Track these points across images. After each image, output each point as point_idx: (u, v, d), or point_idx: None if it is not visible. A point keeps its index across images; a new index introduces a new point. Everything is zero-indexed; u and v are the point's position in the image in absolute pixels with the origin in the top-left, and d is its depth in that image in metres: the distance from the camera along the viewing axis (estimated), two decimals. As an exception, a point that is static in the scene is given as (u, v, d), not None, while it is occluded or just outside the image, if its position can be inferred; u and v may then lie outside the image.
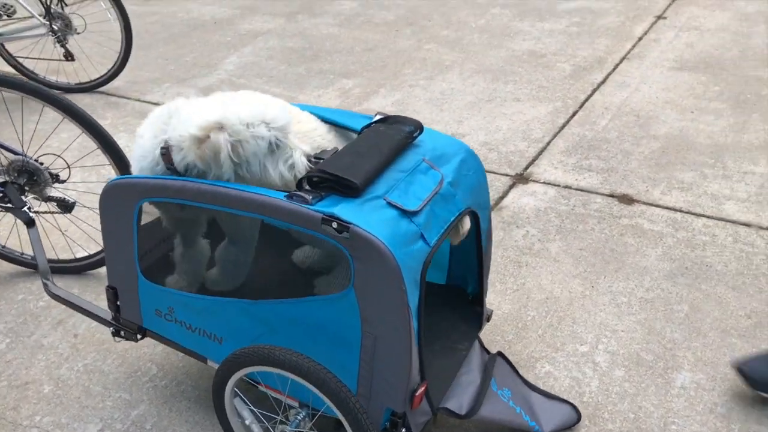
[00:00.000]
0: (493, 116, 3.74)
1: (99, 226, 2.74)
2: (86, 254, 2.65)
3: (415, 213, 1.59)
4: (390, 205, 1.57)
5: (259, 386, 1.78)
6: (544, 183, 3.14)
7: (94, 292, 2.55)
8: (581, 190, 3.07)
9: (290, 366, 1.59)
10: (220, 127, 1.59)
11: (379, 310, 1.53)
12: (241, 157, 1.62)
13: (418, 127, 1.78)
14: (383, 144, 1.70)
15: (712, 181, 3.09)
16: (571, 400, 2.03)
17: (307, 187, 1.60)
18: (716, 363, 2.16)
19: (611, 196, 3.02)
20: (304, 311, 1.64)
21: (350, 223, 1.48)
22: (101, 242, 2.66)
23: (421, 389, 1.64)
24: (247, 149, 1.61)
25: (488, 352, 2.01)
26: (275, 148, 1.63)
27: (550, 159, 3.33)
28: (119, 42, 4.06)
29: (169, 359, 2.25)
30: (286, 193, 1.59)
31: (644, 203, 2.97)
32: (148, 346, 2.29)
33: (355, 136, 1.87)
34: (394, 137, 1.72)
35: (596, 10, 5.28)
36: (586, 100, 3.90)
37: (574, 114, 3.74)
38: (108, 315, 2.02)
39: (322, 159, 1.69)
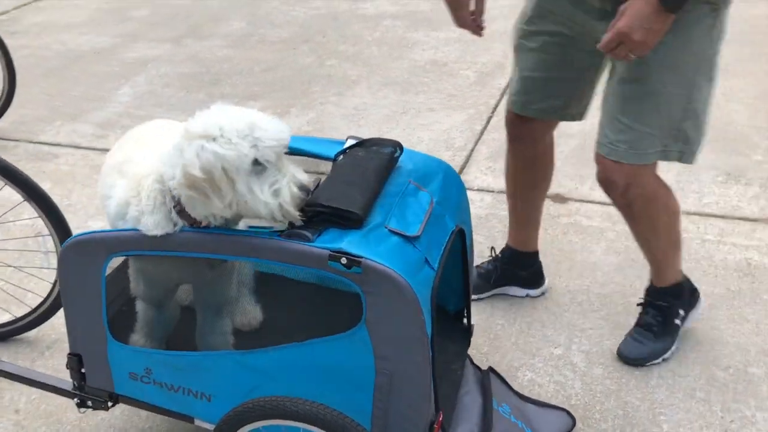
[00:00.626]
0: (412, 128, 3.74)
1: (23, 285, 2.48)
2: (11, 318, 2.38)
3: (416, 238, 1.53)
4: (392, 233, 1.51)
5: (259, 440, 1.65)
6: (478, 190, 3.16)
7: (27, 359, 2.30)
8: (515, 194, 3.11)
9: (305, 416, 1.48)
10: (210, 138, 1.43)
11: (396, 344, 1.46)
12: (228, 174, 1.44)
13: (399, 147, 1.72)
14: (369, 169, 1.63)
15: (634, 173, 3.22)
16: (560, 405, 2.03)
17: (300, 223, 1.50)
18: (684, 350, 2.24)
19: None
20: (307, 355, 1.54)
21: (361, 257, 1.40)
22: (28, 303, 2.41)
23: (439, 419, 1.58)
24: (230, 165, 1.43)
25: (478, 368, 1.98)
26: (262, 168, 1.46)
27: (478, 166, 3.36)
28: (0, 80, 3.73)
29: (132, 422, 2.06)
30: (277, 233, 1.48)
31: (577, 200, 3.05)
32: (104, 411, 2.08)
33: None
34: (376, 161, 1.66)
35: (484, 16, 5.41)
36: (497, 105, 3.98)
37: (489, 120, 3.81)
38: (68, 385, 1.82)
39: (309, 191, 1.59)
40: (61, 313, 2.27)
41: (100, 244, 1.56)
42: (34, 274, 2.40)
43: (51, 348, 2.35)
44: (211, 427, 1.71)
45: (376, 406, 1.54)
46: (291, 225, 1.51)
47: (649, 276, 2.24)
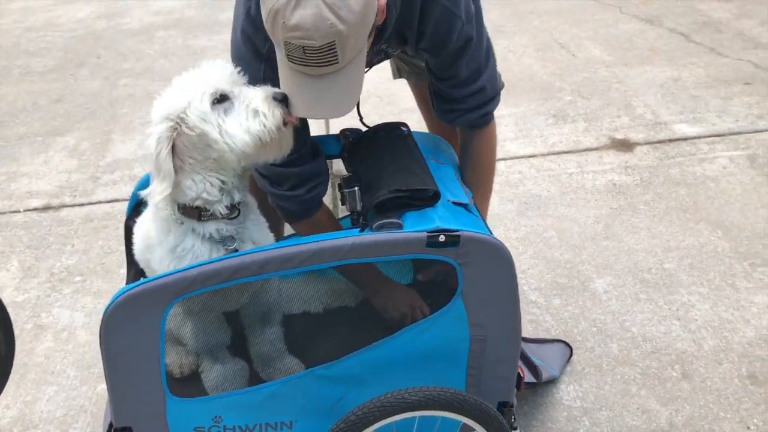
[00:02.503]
0: (255, 130, 3.65)
1: None
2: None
3: (471, 205, 1.59)
4: (455, 204, 1.54)
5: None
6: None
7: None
8: (391, 171, 3.23)
9: (427, 402, 1.46)
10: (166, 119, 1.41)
11: (492, 308, 1.51)
12: (193, 131, 1.40)
13: (406, 127, 1.74)
14: (401, 152, 1.64)
15: (481, 131, 3.52)
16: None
17: (370, 215, 1.48)
18: (608, 264, 2.56)
19: (417, 167, 3.25)
20: (398, 346, 1.52)
21: (458, 231, 1.42)
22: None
23: (522, 372, 1.66)
24: (188, 116, 1.40)
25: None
26: (230, 104, 1.42)
27: (341, 153, 3.41)
28: None
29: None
30: (358, 228, 1.45)
31: (449, 164, 3.26)
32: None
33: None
34: (401, 144, 1.67)
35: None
36: (322, 94, 4.03)
37: (325, 108, 3.85)
38: (101, 470, 1.57)
39: (354, 187, 1.55)
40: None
41: (159, 293, 1.37)
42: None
43: (-10, 453, 1.97)
44: (292, 455, 1.61)
45: (470, 374, 1.58)
46: (364, 218, 1.48)
47: None
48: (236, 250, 1.48)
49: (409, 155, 1.61)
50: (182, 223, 1.48)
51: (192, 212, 1.47)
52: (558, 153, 3.30)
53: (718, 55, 4.17)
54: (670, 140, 3.33)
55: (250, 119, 1.41)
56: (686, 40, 4.40)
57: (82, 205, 3.10)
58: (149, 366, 1.44)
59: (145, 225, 1.59)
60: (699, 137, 3.33)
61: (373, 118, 3.72)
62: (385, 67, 4.39)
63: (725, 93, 3.72)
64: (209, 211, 1.47)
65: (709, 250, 2.60)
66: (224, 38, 4.93)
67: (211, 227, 1.48)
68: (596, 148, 3.31)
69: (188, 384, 1.61)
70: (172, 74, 4.26)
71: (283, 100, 1.42)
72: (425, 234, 1.41)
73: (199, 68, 1.47)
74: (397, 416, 1.48)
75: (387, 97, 3.95)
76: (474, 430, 1.55)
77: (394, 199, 1.47)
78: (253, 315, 1.68)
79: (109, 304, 1.38)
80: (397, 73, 2.17)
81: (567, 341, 2.20)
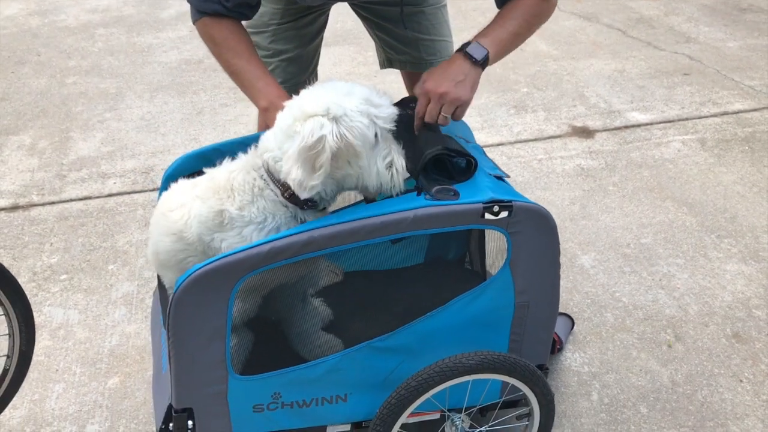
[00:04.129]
0: (222, 124, 3.62)
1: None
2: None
3: (504, 178, 1.67)
4: (496, 177, 1.62)
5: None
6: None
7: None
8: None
9: (482, 366, 1.54)
10: (331, 116, 1.41)
11: (536, 274, 1.59)
12: (352, 149, 1.44)
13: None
14: (430, 131, 1.69)
15: (447, 122, 3.62)
16: (547, 312, 2.33)
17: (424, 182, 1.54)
18: (590, 241, 2.70)
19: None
20: (448, 317, 1.58)
21: (511, 200, 1.50)
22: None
23: (556, 336, 1.76)
24: (359, 141, 1.44)
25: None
26: (378, 141, 1.49)
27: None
28: None
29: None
30: (419, 198, 1.50)
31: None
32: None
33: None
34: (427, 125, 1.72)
35: (197, 11, 5.30)
36: (283, 89, 4.03)
37: (288, 103, 3.86)
38: (155, 456, 1.56)
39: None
40: None
41: (229, 270, 1.38)
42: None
43: (6, 455, 1.90)
44: (345, 428, 1.65)
45: (513, 339, 1.66)
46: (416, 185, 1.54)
47: None
48: None
49: (439, 134, 1.67)
50: (286, 206, 1.52)
51: (299, 200, 1.50)
52: (524, 141, 3.44)
53: (655, 48, 4.44)
54: (626, 127, 3.53)
55: (383, 167, 1.50)
56: (624, 35, 4.66)
57: (52, 203, 3.00)
58: (215, 346, 1.45)
59: (207, 203, 1.52)
60: (651, 123, 3.55)
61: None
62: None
63: (668, 83, 3.97)
64: (316, 202, 1.52)
65: (678, 225, 2.79)
66: (171, 35, 4.85)
67: (309, 215, 1.54)
68: (559, 136, 3.47)
69: (251, 361, 1.61)
70: (123, 71, 4.20)
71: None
72: (481, 205, 1.48)
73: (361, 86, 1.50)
74: (453, 381, 1.55)
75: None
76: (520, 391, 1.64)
77: (443, 156, 1.53)
78: (295, 293, 1.71)
79: (178, 286, 1.38)
80: (387, 63, 2.22)
81: (568, 314, 2.32)
